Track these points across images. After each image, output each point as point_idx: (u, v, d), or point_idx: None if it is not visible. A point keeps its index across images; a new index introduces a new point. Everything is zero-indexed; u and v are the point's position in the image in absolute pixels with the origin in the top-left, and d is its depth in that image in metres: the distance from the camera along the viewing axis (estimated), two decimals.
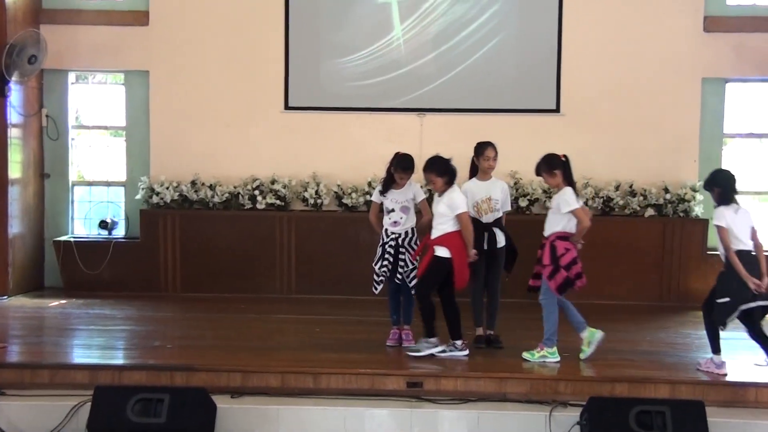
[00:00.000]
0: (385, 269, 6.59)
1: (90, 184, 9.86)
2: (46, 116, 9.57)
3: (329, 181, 9.32)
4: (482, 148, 6.77)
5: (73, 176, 9.80)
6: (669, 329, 7.53)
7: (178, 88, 9.48)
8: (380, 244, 6.68)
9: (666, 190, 9.15)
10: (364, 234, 8.46)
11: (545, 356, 6.25)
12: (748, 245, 5.94)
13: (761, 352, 6.02)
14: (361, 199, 9.18)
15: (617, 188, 9.19)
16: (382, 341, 6.72)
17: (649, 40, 9.25)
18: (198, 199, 9.33)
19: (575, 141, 9.21)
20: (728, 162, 9.40)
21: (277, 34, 9.39)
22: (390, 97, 9.37)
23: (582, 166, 9.10)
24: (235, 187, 9.35)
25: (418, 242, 6.67)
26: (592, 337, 6.29)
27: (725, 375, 5.92)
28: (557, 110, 9.33)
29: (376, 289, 6.65)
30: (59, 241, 9.38)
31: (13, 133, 9.05)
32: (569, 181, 6.31)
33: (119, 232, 9.63)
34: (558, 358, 6.23)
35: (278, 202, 9.27)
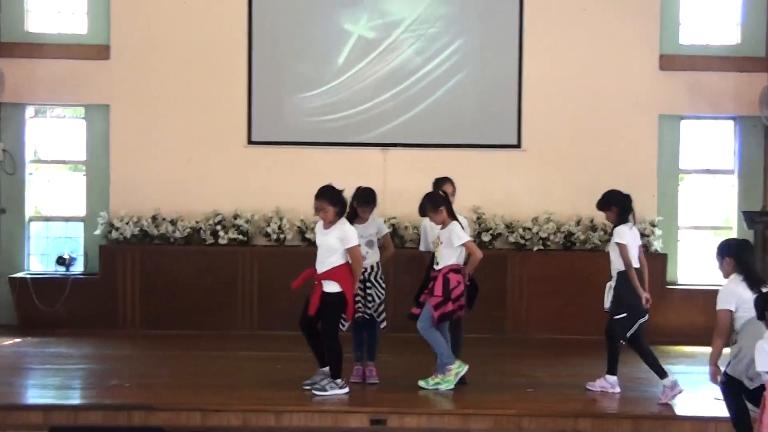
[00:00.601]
0: (360, 305, 6.54)
1: (47, 219, 9.70)
2: (3, 150, 9.39)
3: (292, 216, 9.26)
4: (440, 184, 6.83)
5: (30, 211, 9.63)
6: (631, 364, 7.57)
7: (140, 122, 9.40)
8: None
9: None
10: None
11: (439, 383, 6.38)
12: (637, 263, 6.44)
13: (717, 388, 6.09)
14: None
15: (578, 223, 9.28)
16: (345, 378, 6.65)
17: (607, 77, 9.42)
18: (159, 235, 9.21)
19: (536, 176, 9.36)
20: (685, 197, 9.60)
21: (240, 69, 9.39)
22: (353, 132, 9.40)
23: (543, 201, 9.34)
24: (197, 222, 9.25)
25: (383, 276, 6.65)
26: (459, 368, 6.42)
27: (618, 393, 6.44)
28: (518, 146, 9.43)
29: (343, 326, 6.56)
30: (15, 277, 9.17)
31: None
32: (454, 217, 6.50)
33: (78, 268, 9.45)
34: (452, 386, 6.36)
35: (241, 237, 9.19)
